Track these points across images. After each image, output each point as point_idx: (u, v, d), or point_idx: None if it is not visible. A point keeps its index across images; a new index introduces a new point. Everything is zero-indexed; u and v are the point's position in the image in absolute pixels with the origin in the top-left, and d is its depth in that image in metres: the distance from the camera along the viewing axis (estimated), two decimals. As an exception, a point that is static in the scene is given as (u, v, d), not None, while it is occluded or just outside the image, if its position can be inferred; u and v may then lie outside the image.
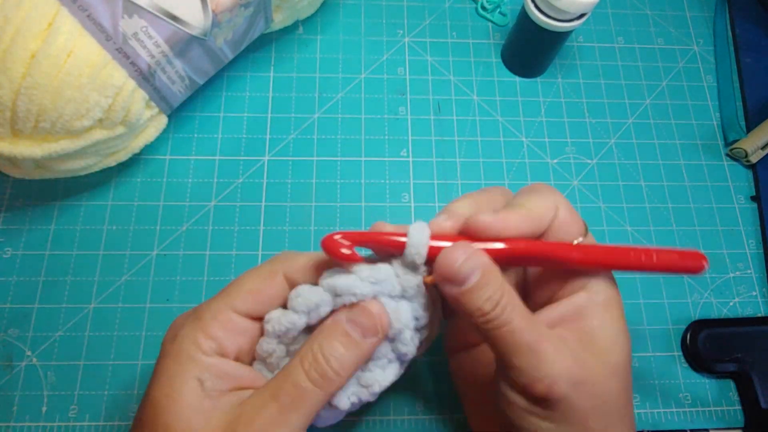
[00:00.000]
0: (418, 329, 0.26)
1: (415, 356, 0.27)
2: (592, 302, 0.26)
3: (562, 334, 0.25)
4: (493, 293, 0.23)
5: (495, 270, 0.24)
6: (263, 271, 0.26)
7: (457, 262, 0.23)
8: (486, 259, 0.24)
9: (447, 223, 0.25)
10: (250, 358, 0.27)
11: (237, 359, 0.26)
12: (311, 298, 0.25)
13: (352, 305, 0.24)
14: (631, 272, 0.26)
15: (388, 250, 0.25)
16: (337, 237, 0.24)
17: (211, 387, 0.24)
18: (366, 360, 0.25)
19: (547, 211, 0.26)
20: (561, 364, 0.23)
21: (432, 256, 0.24)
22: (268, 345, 0.26)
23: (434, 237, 0.24)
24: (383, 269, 0.25)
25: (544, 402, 0.24)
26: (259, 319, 0.26)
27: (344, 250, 0.24)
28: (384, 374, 0.26)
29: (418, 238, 0.24)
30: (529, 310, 0.24)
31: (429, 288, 0.26)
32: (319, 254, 0.26)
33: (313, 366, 0.23)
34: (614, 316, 0.26)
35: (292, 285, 0.26)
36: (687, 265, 0.25)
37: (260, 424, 0.23)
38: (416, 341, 0.26)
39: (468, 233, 0.25)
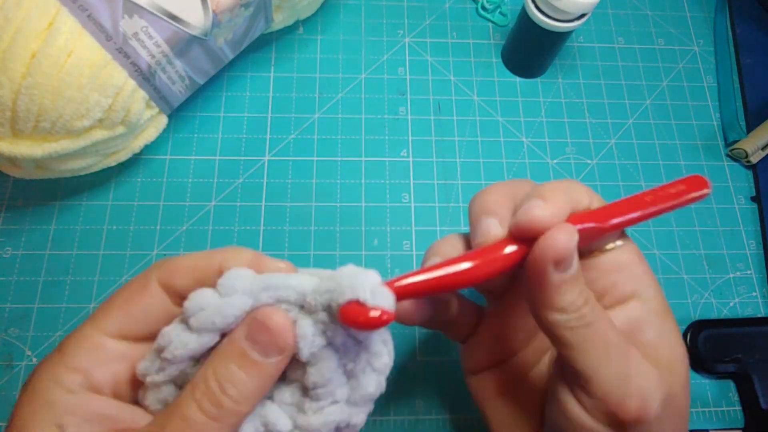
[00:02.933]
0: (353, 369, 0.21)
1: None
2: (647, 312, 0.23)
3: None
4: (584, 287, 0.21)
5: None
6: (133, 283, 0.21)
7: (571, 243, 0.20)
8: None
9: (498, 230, 0.22)
10: (134, 389, 0.22)
11: (116, 394, 0.21)
12: (219, 311, 0.19)
13: (250, 320, 0.20)
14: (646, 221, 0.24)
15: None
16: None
17: None
18: (271, 383, 0.20)
19: (583, 198, 0.23)
20: (651, 375, 0.21)
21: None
22: (150, 366, 0.21)
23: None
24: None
25: (630, 425, 0.20)
26: (142, 339, 0.21)
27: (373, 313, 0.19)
28: (319, 416, 0.20)
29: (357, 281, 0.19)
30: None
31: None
32: (205, 254, 0.21)
33: (206, 395, 0.19)
34: (672, 326, 0.23)
35: (171, 290, 0.21)
36: (693, 196, 0.23)
37: None
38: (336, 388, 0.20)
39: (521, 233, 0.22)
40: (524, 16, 0.41)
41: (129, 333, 0.21)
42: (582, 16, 0.39)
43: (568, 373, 0.22)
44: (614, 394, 0.20)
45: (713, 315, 0.40)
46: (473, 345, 0.28)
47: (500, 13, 0.48)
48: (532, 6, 0.39)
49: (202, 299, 0.20)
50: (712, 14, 0.50)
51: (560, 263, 0.20)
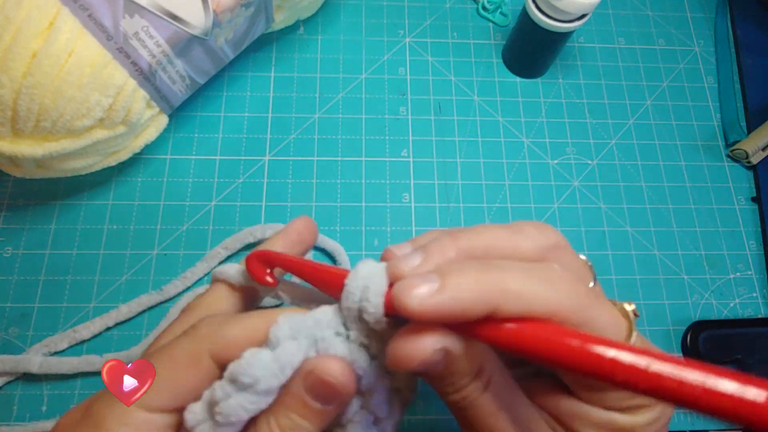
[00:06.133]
0: (393, 389, 0.21)
1: (396, 420, 0.22)
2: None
3: None
4: (457, 384, 0.19)
5: (463, 366, 0.19)
6: (182, 355, 0.20)
7: (413, 363, 0.17)
8: (452, 357, 0.18)
9: (415, 262, 0.19)
10: None
11: None
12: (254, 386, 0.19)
13: (306, 374, 0.19)
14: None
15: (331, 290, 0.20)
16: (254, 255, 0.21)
17: None
18: (330, 421, 0.21)
19: (530, 304, 0.18)
20: None
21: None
22: None
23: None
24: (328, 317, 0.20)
25: None
26: (182, 409, 0.21)
27: (267, 278, 0.21)
28: None
29: (366, 287, 0.18)
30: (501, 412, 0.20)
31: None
32: (256, 320, 0.21)
33: None
34: None
35: (223, 363, 0.20)
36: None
37: None
38: (390, 403, 0.21)
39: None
40: (525, 17, 0.41)
41: (176, 406, 0.20)
42: (583, 16, 0.39)
43: None
44: None
45: (713, 316, 0.40)
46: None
47: (501, 13, 0.48)
48: (532, 6, 0.39)
49: (258, 365, 0.19)
50: (713, 15, 0.50)
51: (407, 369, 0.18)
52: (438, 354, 0.18)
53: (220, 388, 0.19)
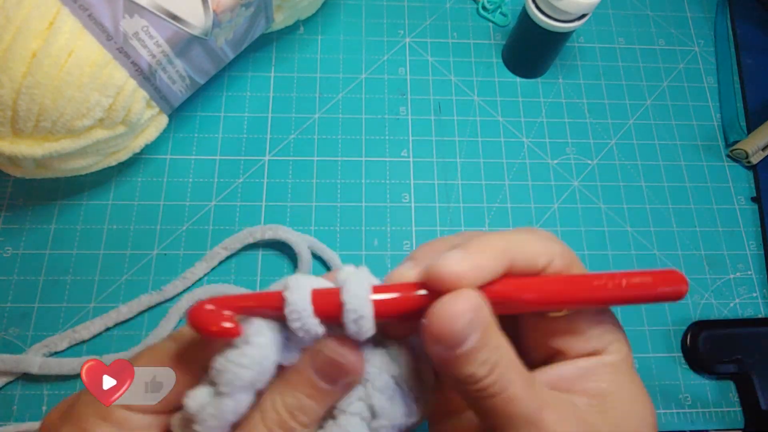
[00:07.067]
0: (400, 385, 0.20)
1: (397, 423, 0.20)
2: (600, 363, 0.21)
3: (567, 397, 0.20)
4: (490, 355, 0.18)
5: (494, 325, 0.19)
6: (163, 355, 0.20)
7: (460, 320, 0.18)
8: (487, 314, 0.18)
9: (412, 272, 0.20)
10: None
11: None
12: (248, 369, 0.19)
13: (316, 353, 0.20)
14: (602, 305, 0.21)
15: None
16: (209, 307, 0.18)
17: None
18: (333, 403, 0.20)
19: (535, 255, 0.20)
20: None
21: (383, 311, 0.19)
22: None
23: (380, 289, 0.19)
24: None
25: None
26: (163, 412, 0.20)
27: (226, 323, 0.18)
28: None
29: (353, 297, 0.18)
30: (526, 370, 0.19)
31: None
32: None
33: (278, 424, 0.19)
34: (628, 378, 0.21)
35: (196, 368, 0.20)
36: (664, 291, 0.20)
37: None
38: (392, 400, 0.20)
39: (428, 284, 0.19)
40: (525, 17, 0.41)
41: (155, 409, 0.20)
42: (582, 16, 0.39)
43: None
44: None
45: (713, 316, 0.40)
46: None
47: (501, 13, 0.48)
48: (532, 6, 0.39)
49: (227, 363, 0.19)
50: (713, 15, 0.50)
51: (442, 342, 0.18)
52: (478, 311, 0.18)
53: (220, 357, 0.19)
